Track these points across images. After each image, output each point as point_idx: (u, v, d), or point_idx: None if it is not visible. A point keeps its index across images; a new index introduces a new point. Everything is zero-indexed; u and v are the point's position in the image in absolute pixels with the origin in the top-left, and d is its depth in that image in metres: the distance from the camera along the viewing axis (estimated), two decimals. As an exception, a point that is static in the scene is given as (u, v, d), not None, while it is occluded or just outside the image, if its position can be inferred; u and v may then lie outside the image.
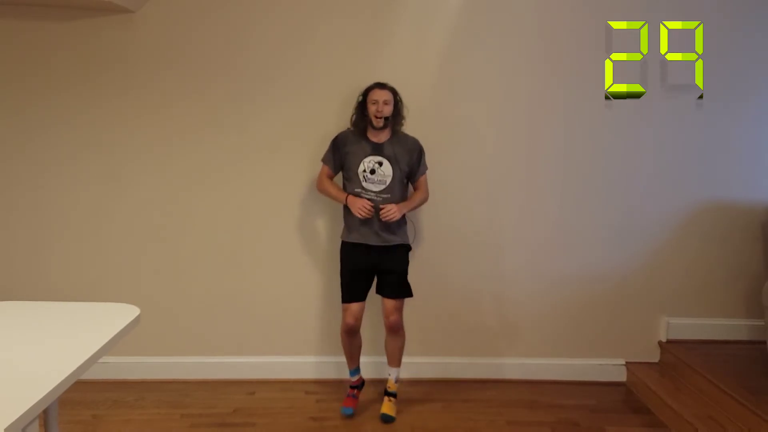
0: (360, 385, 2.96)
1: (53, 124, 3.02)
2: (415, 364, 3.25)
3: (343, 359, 3.02)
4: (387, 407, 2.85)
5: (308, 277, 3.19)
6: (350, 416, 2.82)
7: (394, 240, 2.77)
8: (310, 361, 3.25)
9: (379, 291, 2.83)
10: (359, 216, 2.67)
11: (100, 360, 1.57)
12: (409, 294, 2.83)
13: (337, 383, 3.17)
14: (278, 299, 3.19)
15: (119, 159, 3.06)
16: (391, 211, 2.66)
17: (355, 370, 2.94)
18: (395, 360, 2.91)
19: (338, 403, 2.95)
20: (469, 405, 2.98)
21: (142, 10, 2.95)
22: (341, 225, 2.90)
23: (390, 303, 2.79)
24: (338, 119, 3.00)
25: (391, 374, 2.92)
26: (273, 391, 3.11)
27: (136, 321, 1.82)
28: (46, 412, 1.72)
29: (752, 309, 3.25)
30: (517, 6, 3.04)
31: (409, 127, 2.90)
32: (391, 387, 2.91)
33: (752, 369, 2.91)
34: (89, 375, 1.56)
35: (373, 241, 2.74)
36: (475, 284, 3.23)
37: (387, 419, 2.80)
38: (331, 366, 3.23)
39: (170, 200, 3.11)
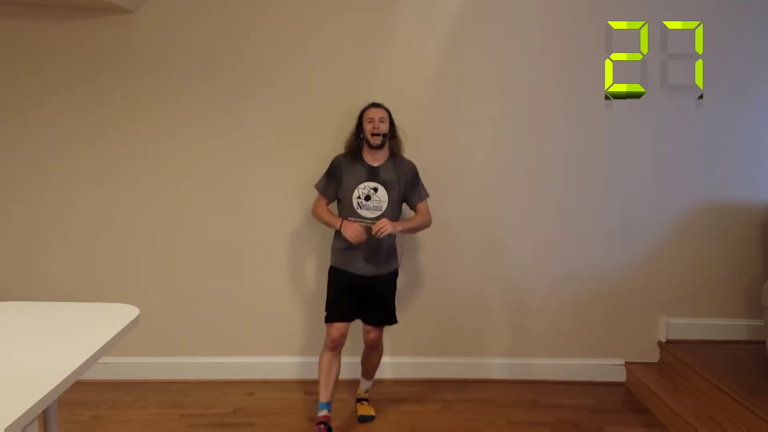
0: (326, 422, 2.57)
1: (53, 125, 3.02)
2: (415, 364, 3.25)
3: (343, 360, 3.01)
4: (363, 410, 2.86)
5: (308, 277, 3.19)
6: None
7: (381, 270, 2.68)
8: (310, 361, 3.23)
9: (363, 317, 2.71)
10: (352, 241, 2.55)
11: (100, 360, 1.57)
12: (393, 321, 2.74)
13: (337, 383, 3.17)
14: (278, 299, 3.19)
15: (119, 159, 3.06)
16: (384, 227, 2.51)
17: (326, 404, 2.62)
18: (369, 373, 2.89)
19: (338, 403, 2.94)
20: (468, 405, 2.98)
21: (142, 11, 2.95)
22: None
23: (372, 328, 2.71)
24: (338, 120, 2.99)
25: (363, 385, 2.93)
26: (272, 391, 3.11)
27: (136, 321, 1.82)
28: (45, 412, 1.72)
29: (752, 309, 3.25)
30: (517, 6, 3.04)
31: (409, 127, 2.89)
32: (363, 395, 2.93)
33: (752, 369, 2.91)
34: (89, 375, 1.56)
35: (359, 271, 2.65)
36: (474, 284, 3.23)
37: (366, 419, 2.81)
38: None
39: (170, 200, 3.10)
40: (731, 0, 3.07)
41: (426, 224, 2.76)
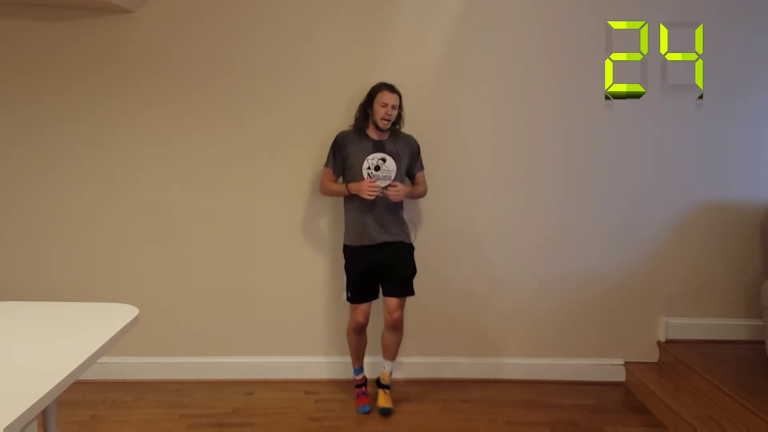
0: (365, 382, 3.00)
1: (52, 124, 3.01)
2: (415, 364, 3.25)
3: (342, 359, 3.02)
4: (383, 400, 2.87)
5: (307, 276, 3.18)
6: (368, 413, 2.86)
7: (394, 236, 2.78)
8: (309, 361, 3.24)
9: (384, 289, 2.84)
10: (368, 198, 2.65)
11: (99, 360, 1.56)
12: (412, 292, 2.84)
13: (337, 383, 3.17)
14: (277, 299, 3.19)
15: (118, 159, 3.06)
16: (398, 189, 2.68)
17: (360, 368, 3.00)
18: (391, 353, 2.93)
19: (338, 403, 2.96)
20: (468, 405, 2.98)
21: (141, 10, 2.95)
22: (342, 225, 2.89)
23: (394, 301, 2.80)
24: (339, 118, 3.00)
25: (386, 367, 2.95)
26: (272, 391, 3.10)
27: (135, 321, 1.81)
28: (44, 412, 1.72)
29: (751, 309, 3.25)
30: (517, 6, 3.03)
31: (409, 127, 2.90)
32: (385, 379, 2.94)
33: (751, 369, 2.92)
34: (88, 375, 1.55)
35: (374, 239, 2.74)
36: (474, 284, 3.23)
37: (386, 412, 2.83)
38: (331, 366, 3.23)
39: (169, 200, 3.10)
40: (731, 0, 3.07)
41: (425, 192, 2.94)
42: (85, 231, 3.10)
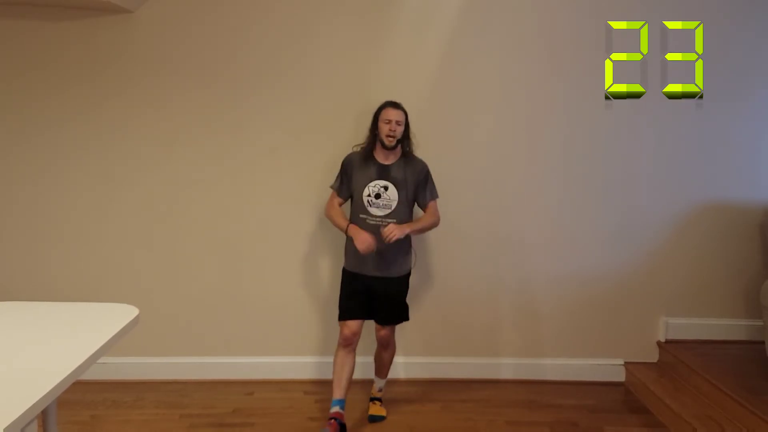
0: (339, 418, 2.59)
1: (51, 124, 3.01)
2: (414, 364, 3.25)
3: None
4: (374, 410, 2.87)
5: (306, 276, 3.18)
6: None
7: (392, 272, 2.69)
8: (309, 361, 3.25)
9: (375, 317, 2.74)
10: (362, 252, 2.54)
11: (99, 360, 1.56)
12: (404, 319, 2.76)
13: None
14: (277, 299, 3.19)
15: (118, 159, 3.06)
16: (392, 233, 2.49)
17: (339, 400, 2.63)
18: (383, 372, 2.91)
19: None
20: (468, 405, 2.98)
21: (141, 10, 2.95)
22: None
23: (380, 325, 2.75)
24: (339, 118, 3.00)
25: (377, 383, 2.94)
26: (272, 391, 3.10)
27: (135, 321, 1.82)
28: (44, 412, 1.72)
29: (751, 309, 3.25)
30: (517, 6, 3.03)
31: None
32: (376, 394, 2.94)
33: (751, 369, 2.92)
34: (88, 375, 1.55)
35: (370, 272, 2.67)
36: (473, 284, 3.23)
37: (376, 419, 2.83)
38: (330, 366, 3.21)
39: (169, 200, 3.10)
40: (731, 0, 3.07)
41: (434, 224, 2.75)
42: (85, 231, 3.10)
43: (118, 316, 1.80)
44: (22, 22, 2.93)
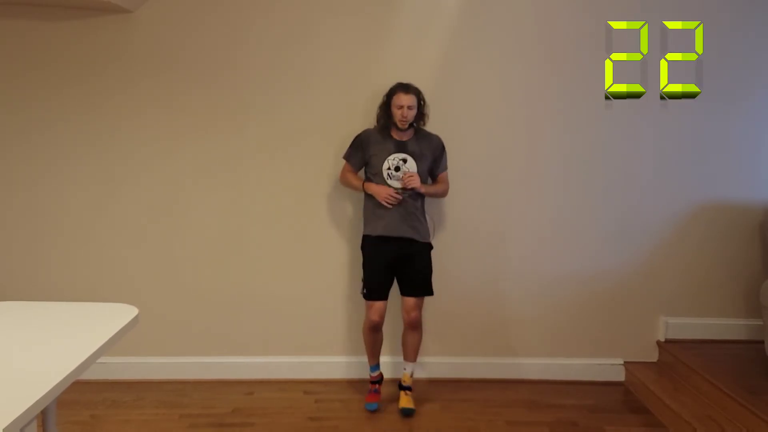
0: (380, 380, 2.98)
1: (51, 124, 3.01)
2: (414, 364, 3.25)
3: (342, 359, 3.01)
4: (405, 401, 2.87)
5: (307, 277, 3.18)
6: (375, 411, 2.85)
7: (417, 231, 2.79)
8: (309, 361, 3.24)
9: (402, 288, 2.85)
10: (386, 204, 2.70)
11: (99, 360, 1.56)
12: (430, 292, 2.86)
13: (336, 383, 3.17)
14: (277, 299, 3.19)
15: (117, 159, 3.06)
16: (411, 177, 2.69)
17: (376, 366, 2.97)
18: (412, 355, 2.94)
19: (338, 403, 2.95)
20: (467, 405, 2.98)
21: (141, 10, 2.95)
22: (344, 223, 2.90)
23: (411, 300, 2.83)
24: (339, 116, 3.00)
25: (407, 368, 2.95)
26: (272, 391, 3.10)
27: (135, 321, 1.81)
28: (44, 412, 1.71)
29: (751, 309, 3.25)
30: (517, 6, 3.03)
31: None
32: (407, 381, 2.94)
33: (751, 369, 2.92)
34: (88, 375, 1.55)
35: (392, 231, 2.75)
36: (473, 284, 3.23)
37: (408, 412, 2.83)
38: (330, 366, 3.23)
39: (169, 200, 3.10)
40: (731, 0, 3.07)
41: (445, 192, 2.94)
42: (85, 231, 3.10)
43: (117, 315, 1.79)
44: (22, 22, 2.93)
